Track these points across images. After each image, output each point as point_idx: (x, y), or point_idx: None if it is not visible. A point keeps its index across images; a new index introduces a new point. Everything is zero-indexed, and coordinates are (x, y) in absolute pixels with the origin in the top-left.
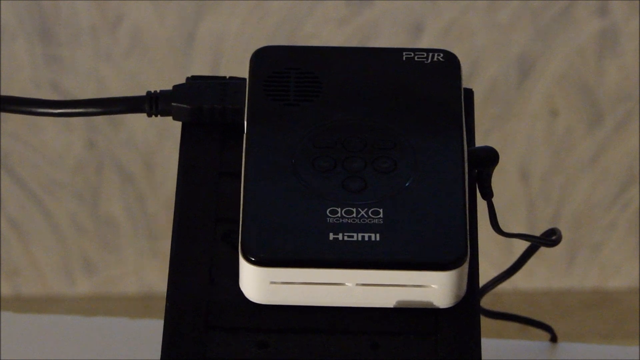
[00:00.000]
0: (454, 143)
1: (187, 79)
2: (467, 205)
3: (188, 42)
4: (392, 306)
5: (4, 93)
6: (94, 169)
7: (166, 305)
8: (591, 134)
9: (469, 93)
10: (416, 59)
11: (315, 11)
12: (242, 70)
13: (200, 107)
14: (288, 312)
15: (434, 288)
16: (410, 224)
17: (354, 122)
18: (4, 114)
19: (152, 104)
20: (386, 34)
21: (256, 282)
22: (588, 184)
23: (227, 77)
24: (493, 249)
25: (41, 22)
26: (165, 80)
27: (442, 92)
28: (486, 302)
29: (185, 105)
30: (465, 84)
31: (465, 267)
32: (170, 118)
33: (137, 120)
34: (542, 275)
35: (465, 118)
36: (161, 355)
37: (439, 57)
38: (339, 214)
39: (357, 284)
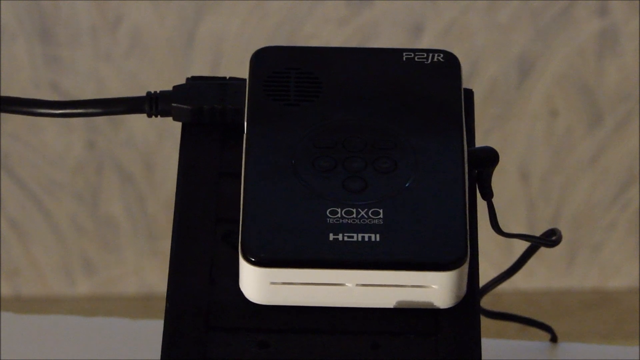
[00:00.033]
0: (454, 143)
1: (187, 79)
2: (467, 206)
3: (188, 43)
4: (392, 306)
5: (4, 93)
6: (94, 169)
7: (166, 305)
8: (591, 134)
9: (469, 93)
10: (416, 59)
11: (315, 11)
12: (242, 70)
13: (200, 108)
14: (288, 313)
15: (434, 288)
16: (411, 224)
17: (354, 122)
18: (4, 114)
19: (152, 104)
20: (386, 35)
21: (256, 283)
22: (588, 184)
23: (227, 78)
24: (493, 249)
25: (41, 22)
26: (165, 80)
27: (442, 93)
28: (486, 302)
29: (185, 106)
30: (465, 84)
31: (465, 267)
32: (170, 118)
33: (137, 121)
34: (542, 275)
35: (465, 118)
36: (161, 356)
37: (439, 58)
38: (339, 214)
39: (357, 285)
